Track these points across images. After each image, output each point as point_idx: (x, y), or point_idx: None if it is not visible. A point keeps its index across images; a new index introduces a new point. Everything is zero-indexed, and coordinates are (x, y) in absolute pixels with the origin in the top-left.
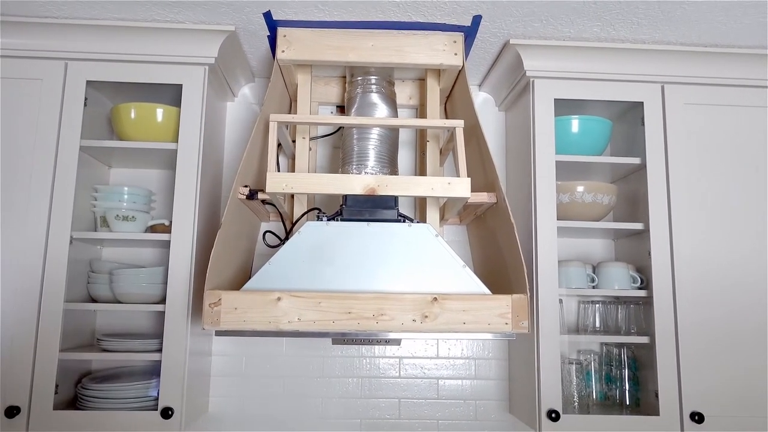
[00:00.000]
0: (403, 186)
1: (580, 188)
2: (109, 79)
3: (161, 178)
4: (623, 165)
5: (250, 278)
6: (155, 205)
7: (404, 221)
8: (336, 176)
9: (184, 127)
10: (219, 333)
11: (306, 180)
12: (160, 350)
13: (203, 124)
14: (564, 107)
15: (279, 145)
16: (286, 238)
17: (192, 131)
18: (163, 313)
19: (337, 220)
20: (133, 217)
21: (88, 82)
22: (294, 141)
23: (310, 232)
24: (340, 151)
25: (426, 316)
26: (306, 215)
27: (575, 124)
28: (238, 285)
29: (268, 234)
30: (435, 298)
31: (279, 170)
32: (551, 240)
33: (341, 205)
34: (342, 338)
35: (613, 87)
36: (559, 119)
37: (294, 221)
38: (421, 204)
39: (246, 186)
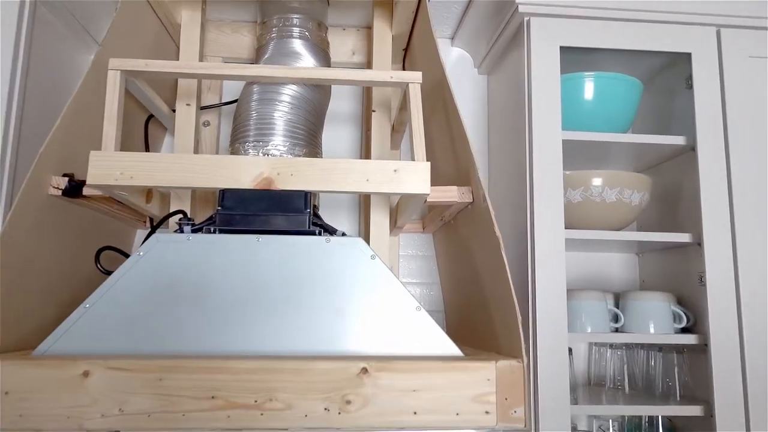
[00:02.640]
0: (319, 175)
1: (598, 181)
2: None
3: None
4: (660, 147)
5: None
6: None
7: (320, 233)
8: (206, 158)
9: None
10: None
11: (158, 164)
12: None
13: (19, 79)
14: (571, 62)
15: (150, 117)
16: None
17: None
18: None
19: (209, 232)
20: None
21: None
22: (174, 111)
23: (161, 251)
24: (232, 123)
25: (348, 402)
26: (162, 224)
27: (589, 86)
28: None
29: (107, 253)
30: (364, 369)
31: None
32: (557, 259)
33: (217, 207)
34: None
35: (645, 30)
36: (565, 78)
37: (148, 235)
38: (365, 205)
39: (67, 175)
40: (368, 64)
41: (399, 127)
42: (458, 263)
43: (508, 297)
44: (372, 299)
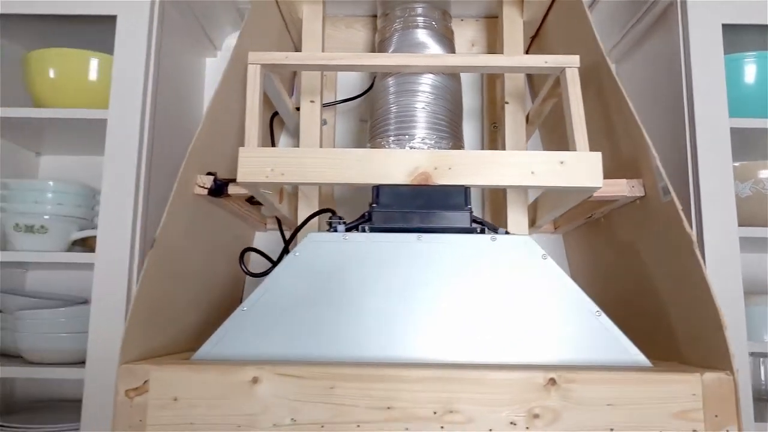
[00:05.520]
0: (479, 169)
1: (765, 173)
2: (7, 11)
3: None
4: None
5: None
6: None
7: (484, 231)
8: (359, 152)
9: (117, 83)
10: None
11: (309, 159)
12: None
13: (151, 81)
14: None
15: (275, 114)
16: (277, 261)
17: (129, 89)
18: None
19: (363, 231)
20: (42, 227)
21: None
22: (299, 109)
23: (313, 252)
24: (369, 118)
25: (536, 416)
26: (308, 222)
27: (751, 67)
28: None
29: (250, 254)
30: (552, 380)
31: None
32: (731, 260)
33: (370, 204)
34: None
35: None
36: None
37: (293, 234)
38: (493, 201)
39: (211, 173)
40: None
41: (535, 119)
42: (603, 266)
43: (707, 302)
44: (546, 303)
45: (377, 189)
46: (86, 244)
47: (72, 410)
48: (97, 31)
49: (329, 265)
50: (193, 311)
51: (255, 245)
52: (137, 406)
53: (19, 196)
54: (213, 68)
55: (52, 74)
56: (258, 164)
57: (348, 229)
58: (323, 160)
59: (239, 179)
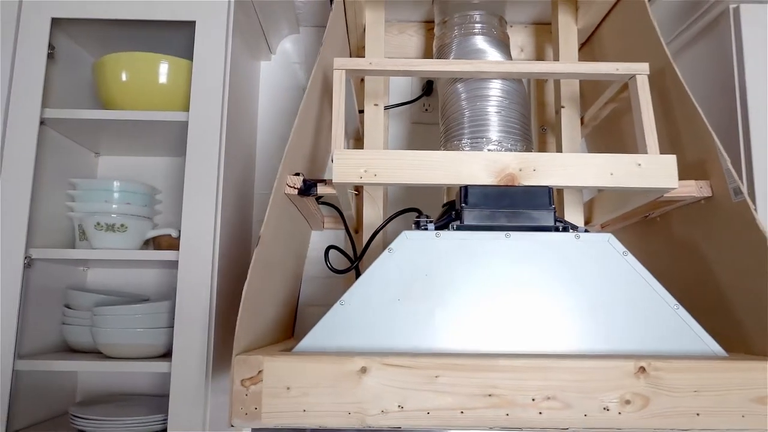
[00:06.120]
0: (560, 170)
1: None
2: (86, 16)
3: (171, 169)
4: None
5: (295, 326)
6: (162, 207)
7: (567, 230)
8: (448, 154)
9: (198, 86)
10: (258, 431)
11: (399, 161)
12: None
13: (227, 84)
14: None
15: None
16: (357, 259)
17: (210, 92)
18: (168, 374)
19: (453, 229)
20: (122, 225)
21: (54, 22)
22: (361, 111)
23: (410, 249)
24: (441, 122)
25: (627, 401)
26: (390, 221)
27: None
28: (284, 334)
29: (332, 251)
30: (642, 368)
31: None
32: None
33: (461, 204)
34: None
35: None
36: None
37: (375, 231)
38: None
39: (298, 174)
40: (538, 60)
41: (590, 122)
42: (659, 262)
43: None
44: (628, 296)
45: (465, 189)
46: (154, 243)
47: (139, 403)
48: (150, 36)
49: (423, 262)
50: (273, 306)
51: (312, 244)
52: (252, 395)
53: (90, 196)
54: (267, 72)
55: (124, 77)
56: (352, 165)
57: (438, 228)
58: (413, 161)
59: (335, 180)
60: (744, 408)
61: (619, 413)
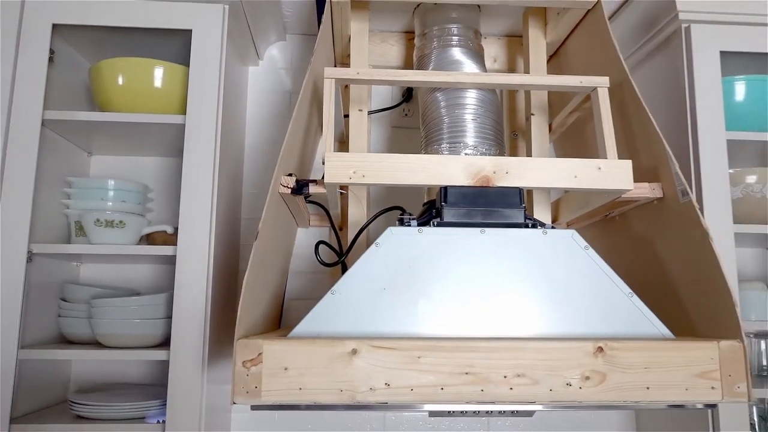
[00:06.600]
0: (531, 172)
1: (752, 178)
2: (86, 23)
3: (162, 169)
4: None
5: (282, 314)
6: (153, 205)
7: (535, 226)
8: (430, 158)
9: (194, 91)
10: (257, 407)
11: (385, 163)
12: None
13: (221, 88)
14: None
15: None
16: (344, 253)
17: (206, 97)
18: (166, 362)
19: (434, 226)
20: (121, 222)
21: (55, 28)
22: (347, 116)
23: (395, 243)
24: (421, 128)
25: (587, 378)
26: (375, 219)
27: (741, 88)
28: (272, 325)
29: (322, 247)
30: (600, 348)
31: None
32: (728, 253)
33: (441, 202)
34: (447, 411)
35: None
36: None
37: (362, 228)
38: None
39: (290, 174)
40: (510, 71)
41: (558, 129)
42: (618, 257)
43: (720, 285)
44: (589, 286)
45: (445, 189)
46: (148, 239)
47: (134, 391)
48: (144, 42)
49: (407, 255)
50: (265, 298)
51: (298, 240)
52: (253, 375)
53: (87, 194)
54: (254, 77)
55: (120, 81)
56: (342, 167)
57: (420, 224)
58: (398, 163)
59: (326, 180)
60: (688, 382)
61: (580, 388)
